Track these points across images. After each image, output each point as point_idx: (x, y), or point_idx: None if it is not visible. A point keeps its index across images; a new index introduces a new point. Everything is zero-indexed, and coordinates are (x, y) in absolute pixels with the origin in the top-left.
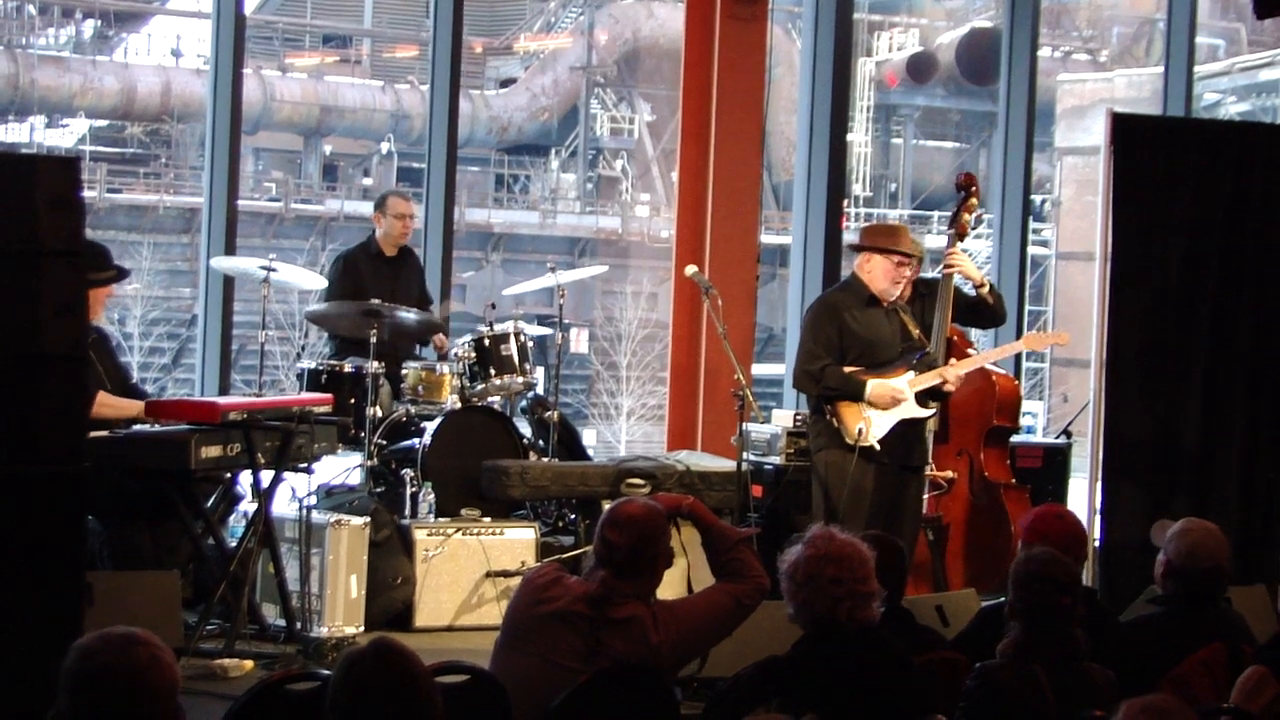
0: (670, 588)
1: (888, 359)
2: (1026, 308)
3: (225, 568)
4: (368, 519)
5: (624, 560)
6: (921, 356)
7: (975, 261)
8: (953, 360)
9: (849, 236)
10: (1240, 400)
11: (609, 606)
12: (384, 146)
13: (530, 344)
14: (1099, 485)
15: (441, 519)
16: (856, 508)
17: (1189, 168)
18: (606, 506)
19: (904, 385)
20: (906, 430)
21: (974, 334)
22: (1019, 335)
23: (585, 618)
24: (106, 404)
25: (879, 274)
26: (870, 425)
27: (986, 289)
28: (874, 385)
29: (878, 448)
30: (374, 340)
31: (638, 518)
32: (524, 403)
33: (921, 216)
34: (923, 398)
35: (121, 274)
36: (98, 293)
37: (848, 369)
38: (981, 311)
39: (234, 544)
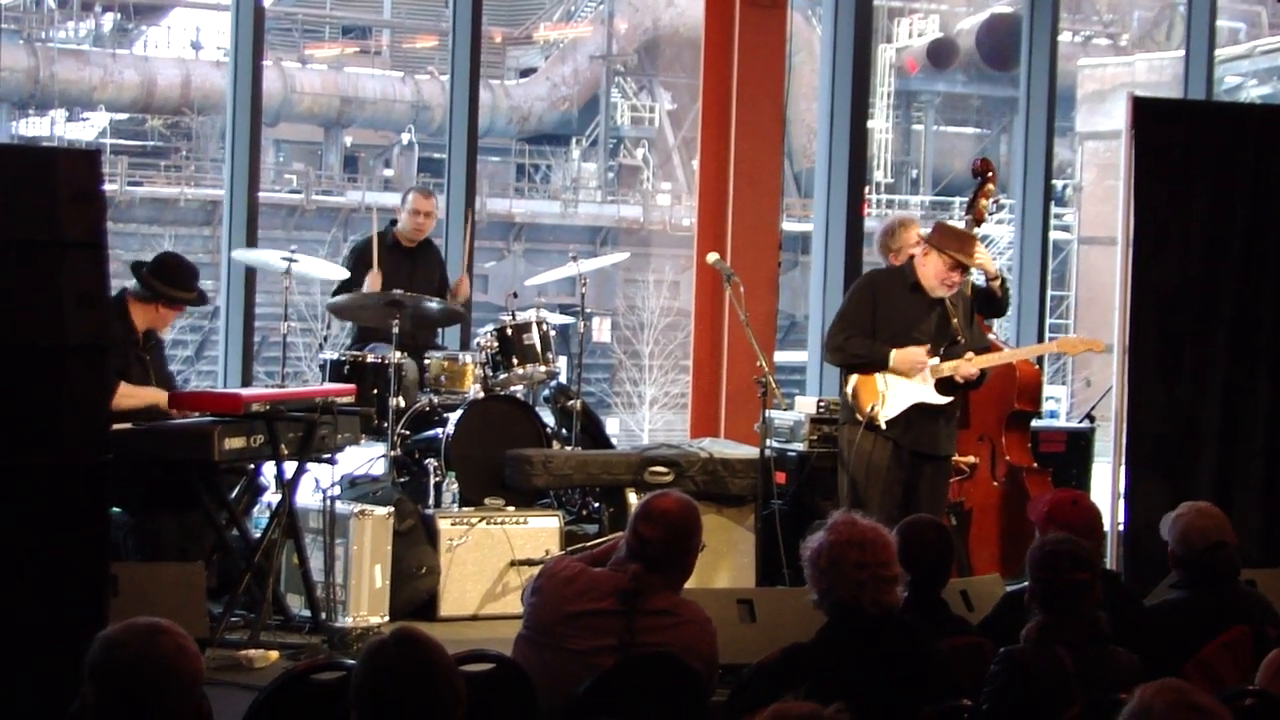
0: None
1: (917, 343)
2: (1049, 293)
3: (249, 559)
4: (391, 509)
5: (657, 554)
6: (951, 345)
7: (994, 250)
8: (969, 355)
9: (871, 223)
10: (1263, 383)
11: (641, 599)
12: (405, 137)
13: (553, 333)
14: (1122, 469)
15: (465, 508)
16: (871, 484)
17: (1210, 151)
18: (640, 499)
19: (926, 368)
20: (922, 416)
21: (994, 323)
22: (1041, 320)
23: (617, 613)
24: (126, 394)
25: (931, 272)
26: (883, 404)
27: (999, 283)
28: (898, 352)
29: (884, 426)
30: (396, 330)
31: (671, 512)
32: (547, 392)
33: (942, 203)
34: (941, 385)
35: (202, 298)
36: (173, 310)
37: None
38: (989, 302)
39: (258, 535)
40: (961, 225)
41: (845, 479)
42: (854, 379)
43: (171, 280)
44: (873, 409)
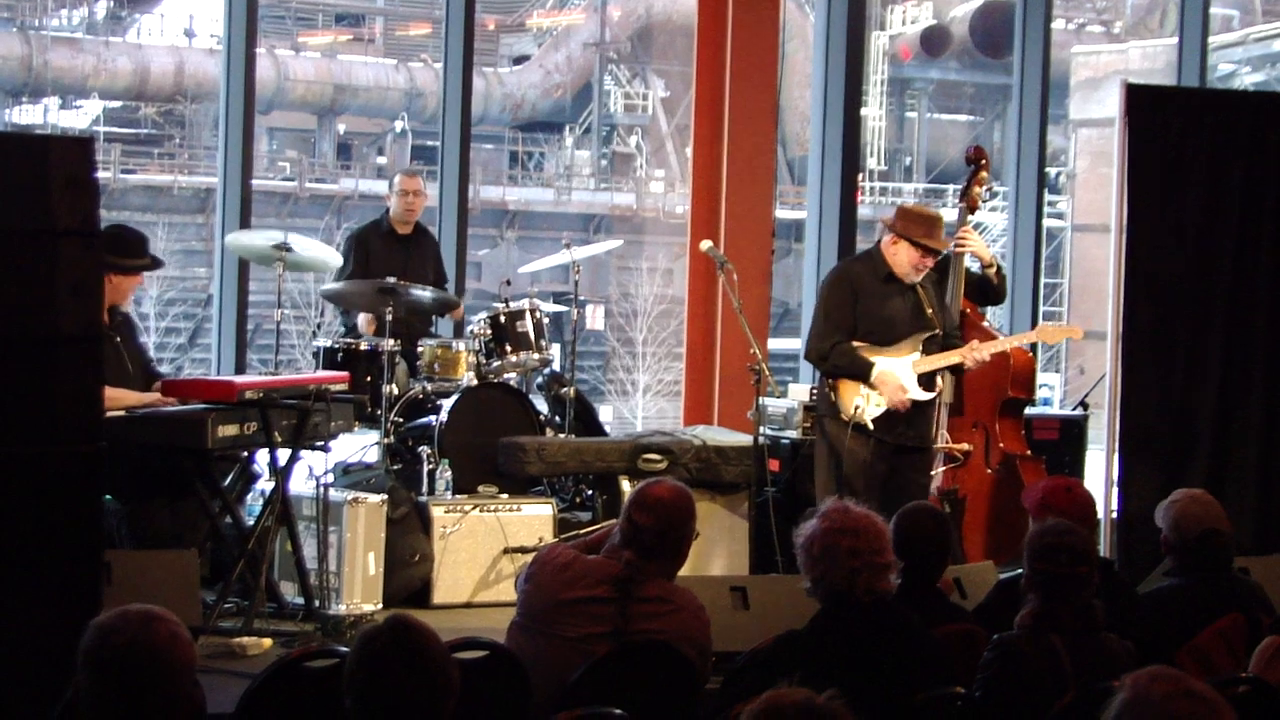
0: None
1: (898, 336)
2: (1042, 280)
3: (243, 546)
4: (385, 496)
5: (651, 542)
6: (931, 338)
7: (988, 238)
8: (975, 341)
9: (864, 210)
10: (1257, 370)
11: (634, 586)
12: (398, 125)
13: (546, 320)
14: (1116, 457)
15: (459, 496)
16: (855, 479)
17: (1204, 139)
18: (634, 487)
19: (909, 371)
20: (905, 411)
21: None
22: (1034, 308)
23: (611, 600)
24: (109, 398)
25: (903, 260)
26: (867, 403)
27: (994, 270)
28: (880, 372)
29: (870, 427)
30: (390, 318)
31: (665, 500)
32: (540, 379)
33: (936, 190)
34: (925, 380)
35: (156, 263)
36: (129, 279)
37: (856, 344)
38: (985, 291)
39: (251, 522)
40: (924, 206)
41: (824, 470)
42: None
43: (118, 249)
44: (857, 409)
